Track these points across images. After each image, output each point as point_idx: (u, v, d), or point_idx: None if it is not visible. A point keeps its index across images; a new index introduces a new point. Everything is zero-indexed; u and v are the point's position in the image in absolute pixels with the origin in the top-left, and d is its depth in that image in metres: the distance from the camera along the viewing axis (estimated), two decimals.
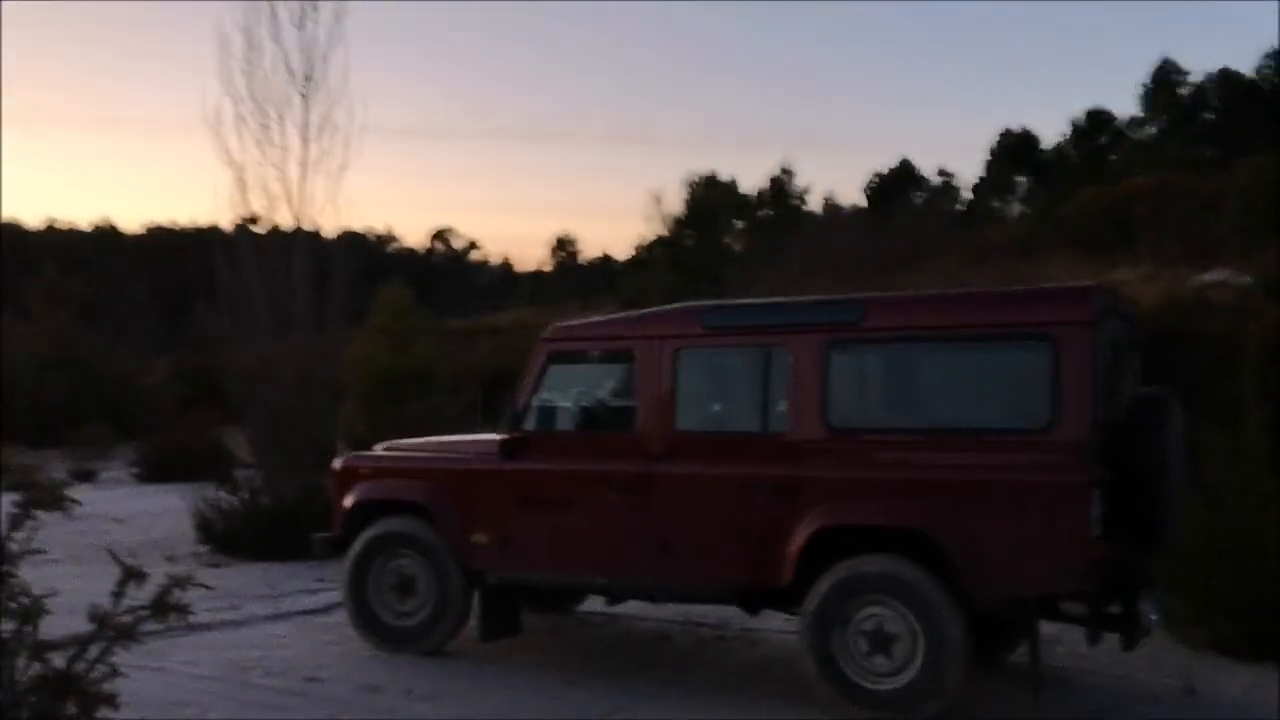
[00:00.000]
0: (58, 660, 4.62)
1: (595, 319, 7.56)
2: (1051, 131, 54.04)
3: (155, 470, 19.65)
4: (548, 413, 7.26)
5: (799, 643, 6.44)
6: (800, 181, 47.86)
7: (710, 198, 18.51)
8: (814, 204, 48.39)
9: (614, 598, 7.73)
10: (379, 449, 8.27)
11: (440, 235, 73.07)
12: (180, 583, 4.83)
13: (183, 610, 4.78)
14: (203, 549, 11.45)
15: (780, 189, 46.79)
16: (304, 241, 12.25)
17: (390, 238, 72.20)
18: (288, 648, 7.57)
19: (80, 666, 4.63)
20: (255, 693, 6.76)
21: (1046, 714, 6.36)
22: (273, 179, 12.24)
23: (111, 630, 4.65)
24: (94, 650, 4.62)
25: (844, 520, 6.31)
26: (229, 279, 12.29)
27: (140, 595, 4.43)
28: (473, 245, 75.29)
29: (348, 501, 7.81)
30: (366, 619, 7.68)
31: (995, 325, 6.23)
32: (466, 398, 23.31)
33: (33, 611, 4.64)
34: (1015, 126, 52.08)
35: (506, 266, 74.10)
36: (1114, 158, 45.87)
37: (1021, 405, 6.13)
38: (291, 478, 11.36)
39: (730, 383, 7.03)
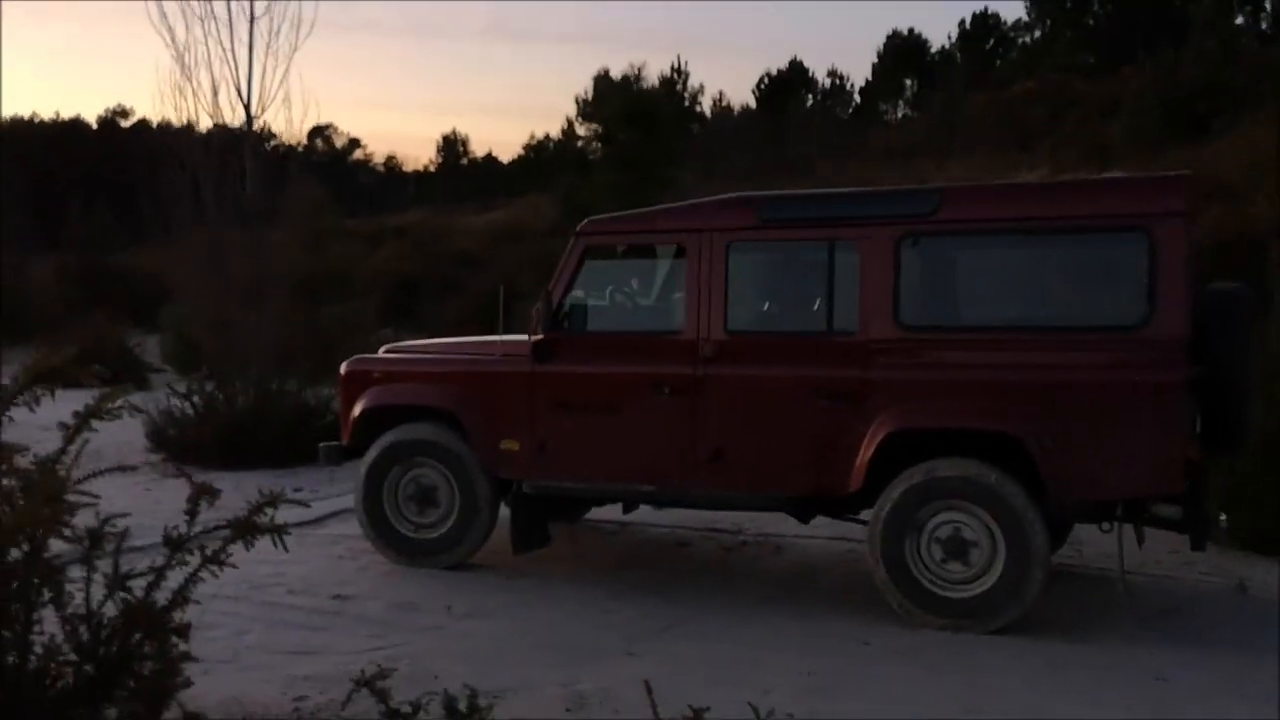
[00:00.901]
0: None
1: (636, 211, 7.01)
2: (940, 34, 54.17)
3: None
4: (584, 312, 6.74)
5: (868, 550, 6.12)
6: (691, 83, 47.19)
7: (652, 96, 17.96)
8: (705, 106, 47.86)
9: (660, 506, 7.31)
10: (382, 351, 7.66)
11: (319, 132, 70.54)
12: (273, 500, 4.30)
13: (279, 530, 4.25)
14: (155, 458, 10.66)
15: (671, 90, 46.04)
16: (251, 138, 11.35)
17: (268, 134, 69.23)
18: (298, 564, 6.99)
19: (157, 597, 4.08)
20: (284, 613, 6.22)
21: (1112, 615, 6.17)
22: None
23: (197, 555, 4.09)
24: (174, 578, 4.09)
25: (921, 423, 5.97)
26: (162, 172, 11.35)
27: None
28: (354, 144, 72.96)
29: (359, 407, 7.21)
30: (382, 531, 7.14)
31: (1085, 216, 5.85)
32: (376, 301, 22.50)
33: (99, 534, 4.06)
34: (904, 29, 52.01)
35: (391, 166, 71.92)
36: (999, 63, 46.15)
37: (1112, 301, 5.85)
38: (247, 381, 10.61)
39: (788, 279, 6.60)
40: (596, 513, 8.22)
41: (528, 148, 50.79)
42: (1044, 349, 5.84)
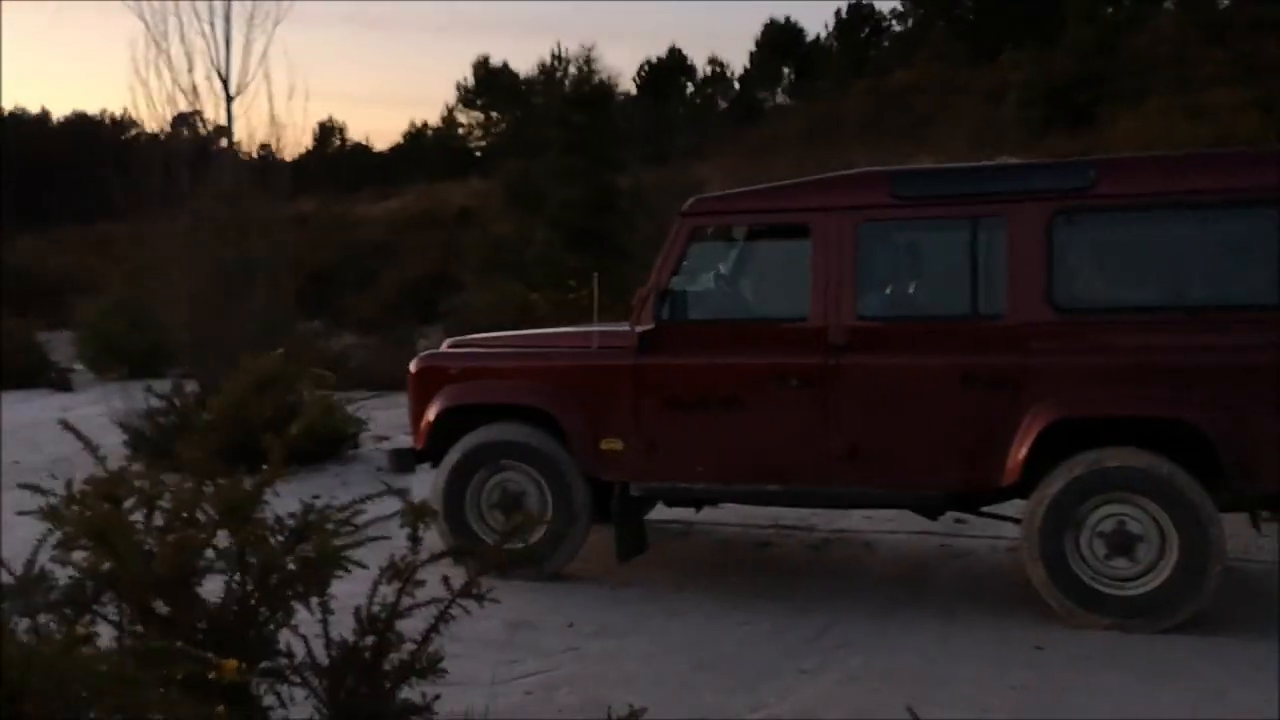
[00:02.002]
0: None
1: (749, 188, 6.37)
2: (816, 24, 54.36)
3: None
4: (695, 298, 6.10)
5: (1024, 548, 5.64)
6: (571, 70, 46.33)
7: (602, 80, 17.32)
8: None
9: (787, 505, 6.71)
10: (446, 345, 6.88)
11: (184, 119, 67.05)
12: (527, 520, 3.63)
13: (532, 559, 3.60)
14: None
15: (551, 76, 45.27)
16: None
17: (129, 122, 66.09)
18: (365, 582, 6.20)
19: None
20: None
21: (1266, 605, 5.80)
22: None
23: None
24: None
25: (1087, 411, 5.51)
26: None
27: None
28: (221, 130, 69.36)
29: (435, 408, 6.42)
30: (467, 542, 6.37)
31: (1255, 188, 5.43)
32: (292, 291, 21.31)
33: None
34: (780, 18, 51.99)
35: (266, 153, 68.47)
36: (874, 52, 46.51)
37: None
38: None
39: (926, 260, 6.06)
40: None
41: (407, 135, 49.42)
42: (1212, 330, 5.42)
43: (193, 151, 14.89)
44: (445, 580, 3.50)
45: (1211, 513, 5.35)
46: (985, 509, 6.12)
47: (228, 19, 12.32)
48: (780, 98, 48.77)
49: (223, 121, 13.70)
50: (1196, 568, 5.35)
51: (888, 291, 6.02)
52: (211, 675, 2.54)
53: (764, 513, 7.65)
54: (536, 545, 6.19)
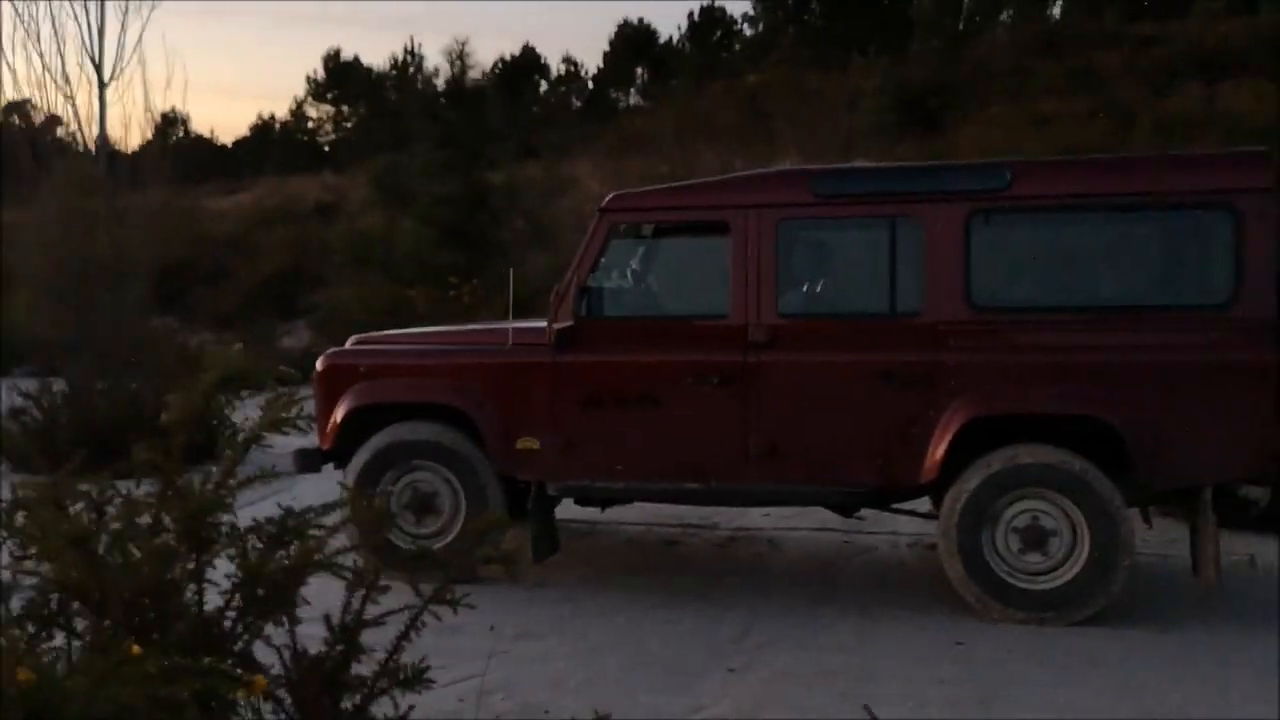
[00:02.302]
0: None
1: (670, 185, 6.27)
2: (669, 26, 54.46)
3: None
4: (614, 295, 5.99)
5: (941, 543, 5.68)
6: (427, 65, 45.55)
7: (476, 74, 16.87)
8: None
9: (705, 504, 6.61)
10: (351, 343, 6.61)
11: (14, 108, 63.89)
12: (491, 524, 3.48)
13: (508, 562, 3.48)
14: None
15: (405, 71, 44.42)
16: None
17: None
18: None
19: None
20: (312, 645, 5.18)
21: (1164, 596, 5.96)
22: None
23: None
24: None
25: (1003, 409, 5.57)
26: None
27: None
28: (55, 120, 66.30)
29: (343, 407, 6.16)
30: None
31: (1167, 192, 5.57)
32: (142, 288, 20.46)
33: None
34: (634, 18, 52.05)
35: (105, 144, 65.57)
36: (726, 55, 46.86)
37: (1197, 280, 5.60)
38: (105, 379, 9.13)
39: (846, 258, 6.04)
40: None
41: (254, 128, 47.85)
42: (1126, 330, 5.55)
43: (30, 140, 14.11)
44: (414, 586, 3.32)
45: (1122, 508, 5.47)
46: (896, 505, 6.15)
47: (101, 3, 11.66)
48: (634, 98, 48.78)
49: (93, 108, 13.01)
50: (1107, 562, 5.46)
51: (808, 289, 6.00)
52: (239, 692, 2.33)
53: (669, 511, 7.58)
54: (445, 548, 6.00)
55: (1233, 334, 5.40)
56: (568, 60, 51.78)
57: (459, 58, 15.20)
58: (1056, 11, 41.99)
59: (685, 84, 40.61)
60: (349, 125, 44.98)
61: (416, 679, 3.03)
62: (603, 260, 5.98)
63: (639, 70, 49.31)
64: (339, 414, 6.16)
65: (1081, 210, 5.66)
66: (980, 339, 5.64)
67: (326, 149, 44.08)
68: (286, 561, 2.85)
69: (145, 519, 2.78)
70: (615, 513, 7.27)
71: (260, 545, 2.89)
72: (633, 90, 49.51)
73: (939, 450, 5.58)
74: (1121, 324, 5.56)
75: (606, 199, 6.08)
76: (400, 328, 7.41)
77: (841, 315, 5.90)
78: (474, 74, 16.55)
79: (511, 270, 6.23)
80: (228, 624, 2.79)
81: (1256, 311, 5.37)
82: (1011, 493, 5.56)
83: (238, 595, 2.82)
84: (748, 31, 47.93)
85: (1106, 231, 5.71)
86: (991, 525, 5.59)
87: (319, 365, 6.38)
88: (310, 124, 46.07)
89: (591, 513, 7.13)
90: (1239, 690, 4.75)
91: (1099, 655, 5.16)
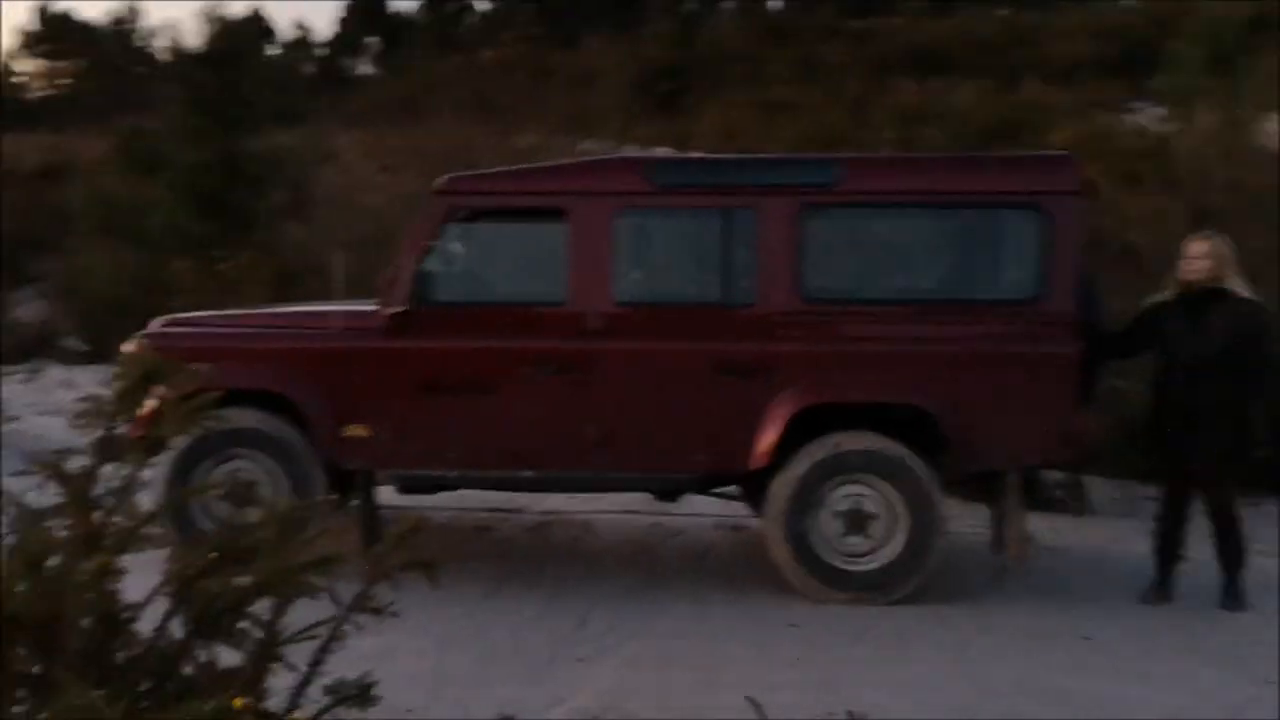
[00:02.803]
0: None
1: (506, 169, 6.05)
2: None
3: None
4: (449, 280, 5.77)
5: (769, 528, 5.78)
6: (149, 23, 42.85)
7: (240, 33, 15.55)
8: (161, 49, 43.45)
9: (543, 492, 6.44)
10: (159, 324, 6.09)
11: None
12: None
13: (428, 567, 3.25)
14: None
15: (122, 31, 41.64)
16: None
17: None
18: None
19: None
20: None
21: (974, 572, 6.28)
22: None
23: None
24: None
25: (831, 398, 5.70)
26: None
27: None
28: None
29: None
30: (193, 537, 5.68)
31: (983, 192, 5.81)
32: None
33: None
34: None
35: None
36: (461, 28, 46.17)
37: (1008, 275, 5.88)
38: None
39: (682, 248, 6.01)
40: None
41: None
42: (945, 322, 5.78)
43: None
44: (331, 593, 3.07)
45: (937, 491, 5.71)
46: (714, 490, 6.22)
47: None
48: (368, 68, 47.36)
49: None
50: (923, 542, 5.70)
51: (644, 277, 5.96)
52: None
53: (476, 496, 7.40)
54: None
55: (1039, 327, 5.70)
56: (299, 26, 49.68)
57: (217, 19, 14.28)
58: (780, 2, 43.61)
59: (418, 56, 39.79)
60: (61, 82, 41.68)
61: (364, 696, 2.81)
62: (436, 244, 5.75)
63: (373, 40, 47.92)
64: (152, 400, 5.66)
65: (905, 207, 5.85)
66: (810, 330, 5.75)
67: (38, 106, 40.68)
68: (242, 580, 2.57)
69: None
70: (420, 499, 7.04)
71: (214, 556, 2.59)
72: (367, 60, 48.06)
73: (770, 437, 5.67)
74: (940, 316, 5.79)
75: (440, 181, 5.84)
76: (158, 301, 6.91)
77: (677, 304, 5.89)
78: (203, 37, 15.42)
79: (342, 254, 5.91)
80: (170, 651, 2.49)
81: (1061, 306, 5.69)
82: (836, 478, 5.72)
83: (179, 617, 2.52)
84: (483, 6, 47.46)
85: (928, 228, 5.93)
86: (817, 510, 5.73)
87: (129, 347, 5.86)
88: (18, 79, 42.44)
89: (397, 500, 6.88)
90: (1045, 658, 5.06)
91: (923, 631, 5.38)
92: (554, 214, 5.75)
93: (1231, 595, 5.84)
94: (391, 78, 40.69)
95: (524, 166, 6.05)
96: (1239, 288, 5.68)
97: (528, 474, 5.79)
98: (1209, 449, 5.69)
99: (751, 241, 5.73)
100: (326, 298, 5.90)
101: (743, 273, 5.76)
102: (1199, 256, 5.70)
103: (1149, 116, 19.37)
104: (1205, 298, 5.69)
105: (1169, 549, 5.93)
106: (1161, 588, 5.91)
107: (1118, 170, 12.61)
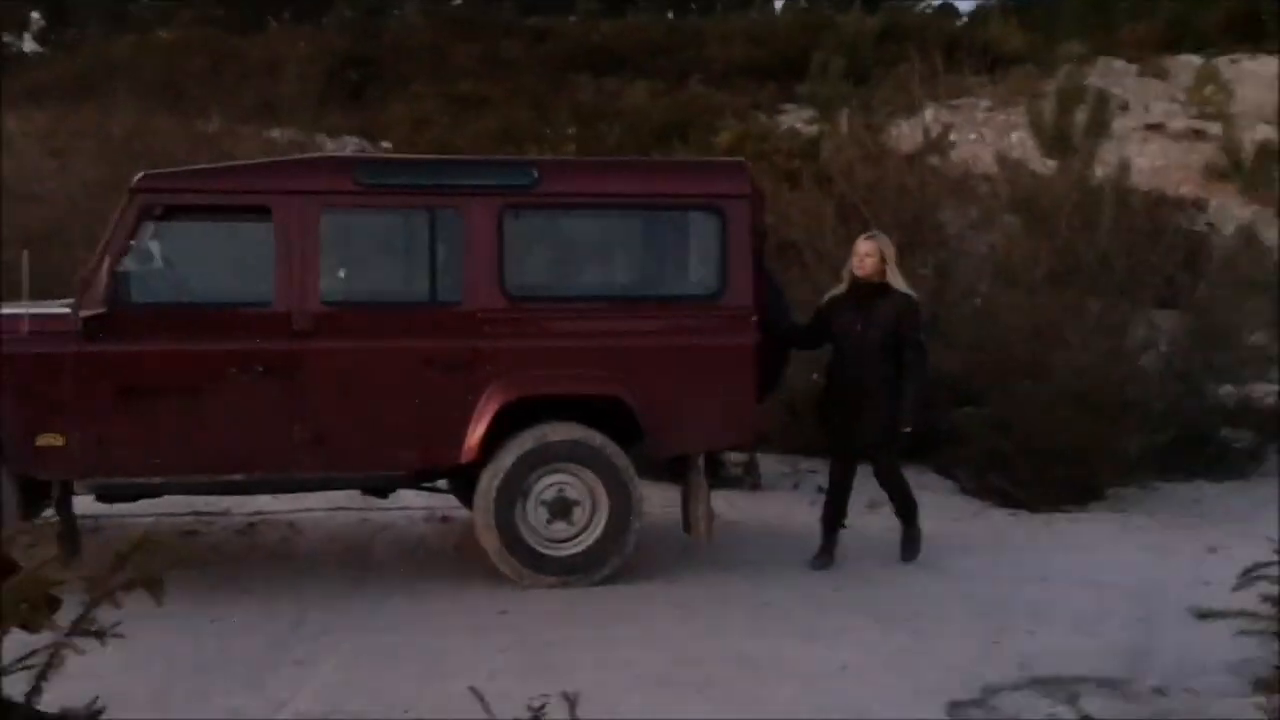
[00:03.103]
0: None
1: (209, 166, 5.80)
2: None
3: None
4: (149, 280, 5.49)
5: (479, 519, 5.87)
6: None
7: None
8: None
9: (252, 495, 6.18)
10: None
11: None
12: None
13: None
14: None
15: None
16: None
17: None
18: None
19: None
20: None
21: (668, 551, 6.56)
22: None
23: None
24: None
25: (535, 391, 5.84)
26: None
27: None
28: None
29: None
30: None
31: (668, 195, 6.08)
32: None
33: None
34: None
35: None
36: (133, 7, 43.21)
37: (693, 274, 6.21)
38: None
39: (389, 247, 5.98)
40: None
41: None
42: (637, 318, 6.04)
43: None
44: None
45: (634, 477, 5.97)
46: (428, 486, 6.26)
47: None
48: (29, 44, 43.51)
49: None
50: (622, 525, 5.94)
51: (352, 277, 5.90)
52: None
53: (179, 500, 7.08)
54: None
55: (721, 322, 6.05)
56: None
57: None
58: None
59: (87, 34, 37.09)
60: None
61: None
62: (135, 243, 5.48)
63: (35, 15, 44.07)
64: None
65: (599, 209, 6.07)
66: (515, 326, 5.86)
67: None
68: None
69: None
70: (121, 506, 6.70)
71: None
72: (27, 36, 44.17)
73: (479, 432, 5.75)
74: (634, 312, 6.05)
75: (137, 178, 5.57)
76: None
77: (385, 304, 5.87)
78: None
79: (26, 251, 5.52)
80: None
81: (740, 301, 6.04)
82: (541, 468, 5.87)
83: None
84: None
85: (620, 229, 6.19)
86: (524, 499, 5.87)
87: None
88: None
89: (97, 507, 6.52)
90: (731, 625, 5.40)
91: (624, 609, 5.60)
92: (259, 213, 5.61)
93: (909, 546, 6.48)
94: (60, 56, 37.76)
95: (228, 164, 5.88)
96: (898, 282, 6.20)
97: (237, 478, 5.62)
98: (873, 424, 6.18)
99: (456, 241, 5.78)
100: (16, 298, 5.50)
101: (448, 272, 5.80)
102: (866, 254, 6.19)
103: (800, 118, 20.67)
104: (870, 291, 6.17)
105: (834, 517, 6.43)
106: (826, 551, 6.42)
107: (778, 170, 13.41)
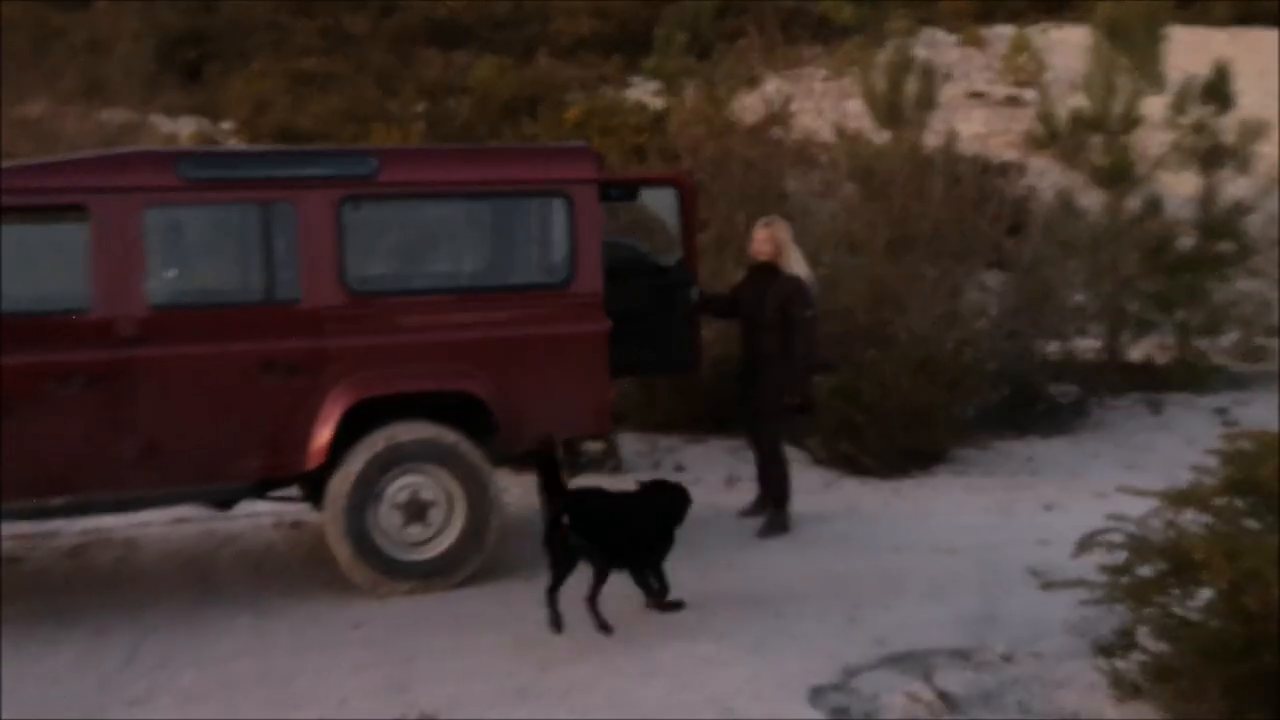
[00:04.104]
0: None
1: (19, 164, 5.09)
2: None
3: None
4: None
5: (329, 528, 5.38)
6: None
7: None
8: None
9: (78, 517, 5.52)
10: None
11: None
12: None
13: None
14: None
15: None
16: None
17: None
18: None
19: None
20: None
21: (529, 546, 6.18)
22: None
23: None
24: None
25: (383, 390, 5.37)
26: None
27: None
28: None
29: None
30: None
31: (514, 181, 5.65)
32: None
33: None
34: None
35: None
36: None
37: (541, 261, 5.83)
38: None
39: (220, 245, 5.40)
40: None
41: None
42: (487, 309, 5.62)
43: None
44: None
45: (491, 474, 5.56)
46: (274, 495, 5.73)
47: None
48: None
49: None
50: (481, 524, 5.53)
51: (182, 278, 5.30)
52: None
53: None
54: None
55: (571, 309, 5.66)
56: None
57: None
58: None
59: None
60: None
61: None
62: None
63: None
64: None
65: (443, 197, 5.62)
66: (358, 323, 5.36)
67: None
68: None
69: None
70: None
71: None
72: None
73: (324, 435, 5.27)
74: (482, 304, 5.62)
75: None
76: None
77: (218, 305, 5.30)
78: None
79: None
80: None
81: (589, 288, 5.66)
82: (393, 469, 5.41)
83: None
84: None
85: (466, 218, 5.77)
86: (376, 503, 5.40)
87: None
88: None
89: None
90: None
91: (485, 613, 5.20)
92: (75, 212, 4.97)
93: (771, 527, 6.38)
94: None
95: (39, 161, 5.17)
96: (793, 264, 6.30)
97: (59, 501, 5.00)
98: (762, 396, 6.32)
99: (292, 236, 5.24)
100: None
101: (285, 268, 5.26)
102: (762, 240, 6.33)
103: (645, 91, 20.29)
104: (765, 272, 6.28)
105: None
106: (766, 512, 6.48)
107: (625, 145, 13.05)
